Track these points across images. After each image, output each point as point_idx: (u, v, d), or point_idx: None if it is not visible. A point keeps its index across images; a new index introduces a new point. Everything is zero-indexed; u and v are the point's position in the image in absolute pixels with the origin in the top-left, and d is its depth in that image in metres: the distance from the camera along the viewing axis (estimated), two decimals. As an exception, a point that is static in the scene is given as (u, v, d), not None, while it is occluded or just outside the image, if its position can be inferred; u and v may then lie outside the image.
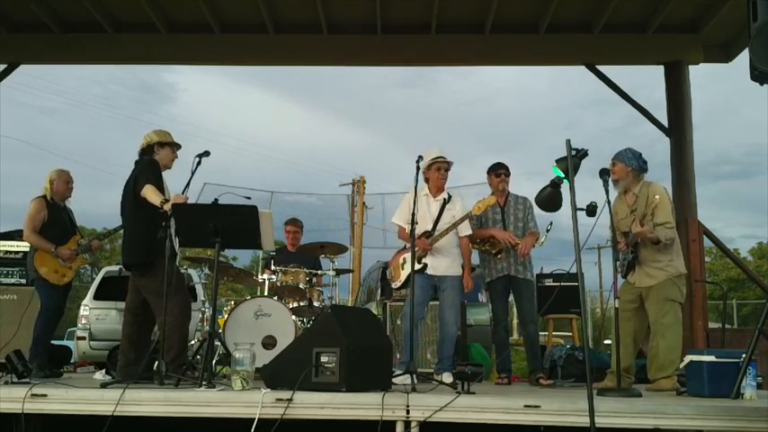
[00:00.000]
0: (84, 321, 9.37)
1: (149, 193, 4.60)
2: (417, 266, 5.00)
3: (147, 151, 4.91)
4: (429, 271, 5.16)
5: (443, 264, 5.22)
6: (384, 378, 4.06)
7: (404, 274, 5.34)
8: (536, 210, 5.40)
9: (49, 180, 5.59)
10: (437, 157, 5.28)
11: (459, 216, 5.22)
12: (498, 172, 5.63)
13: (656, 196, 4.69)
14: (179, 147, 5.03)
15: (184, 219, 4.44)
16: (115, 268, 9.90)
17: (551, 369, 5.81)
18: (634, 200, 4.86)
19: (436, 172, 5.26)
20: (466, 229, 5.30)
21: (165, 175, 4.99)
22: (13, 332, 5.86)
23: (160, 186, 4.74)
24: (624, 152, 4.86)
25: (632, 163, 4.82)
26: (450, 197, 5.31)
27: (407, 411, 3.57)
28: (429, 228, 5.22)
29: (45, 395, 3.75)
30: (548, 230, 5.40)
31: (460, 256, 5.35)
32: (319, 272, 6.36)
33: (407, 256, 5.17)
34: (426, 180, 5.33)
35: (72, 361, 8.20)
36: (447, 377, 4.90)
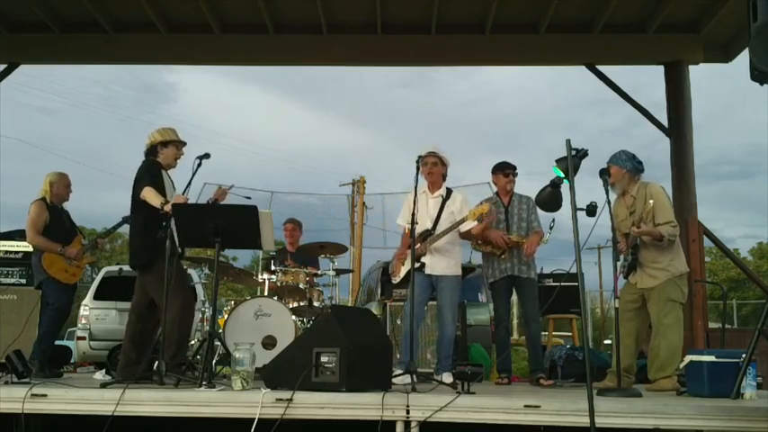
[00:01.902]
0: (84, 321, 9.37)
1: (149, 195, 4.63)
2: (416, 265, 5.00)
3: (151, 152, 4.92)
4: (427, 270, 5.17)
5: (442, 263, 5.22)
6: (384, 378, 4.05)
7: (403, 270, 5.37)
8: (538, 210, 5.42)
9: (49, 183, 5.57)
10: (426, 152, 5.28)
11: (459, 212, 5.23)
12: (506, 172, 5.63)
13: (650, 200, 4.69)
14: (183, 144, 5.01)
15: (184, 219, 4.44)
16: (115, 268, 9.89)
17: (551, 369, 5.81)
18: (632, 201, 4.85)
19: (424, 167, 5.25)
20: (467, 226, 5.28)
21: (172, 174, 5.00)
22: (13, 331, 5.88)
23: (161, 186, 4.75)
24: (618, 155, 4.86)
25: (627, 165, 4.82)
26: (449, 194, 5.32)
27: (407, 411, 3.57)
28: (429, 226, 5.23)
29: (45, 395, 3.75)
30: (551, 227, 5.40)
31: (461, 256, 5.37)
32: (319, 272, 6.37)
33: (408, 252, 5.19)
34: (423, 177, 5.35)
35: (72, 361, 8.20)
36: (447, 377, 4.90)
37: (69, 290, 5.53)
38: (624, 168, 4.82)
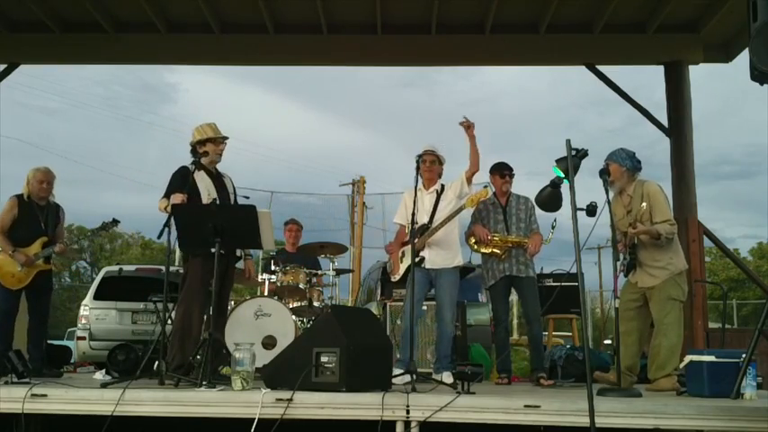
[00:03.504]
0: (84, 321, 9.35)
1: (160, 205, 4.68)
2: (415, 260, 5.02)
3: (193, 151, 4.92)
4: (427, 264, 5.18)
5: (440, 256, 5.23)
6: (384, 378, 4.06)
7: (402, 267, 5.38)
8: (537, 210, 5.41)
9: (27, 179, 5.49)
10: (424, 150, 5.32)
11: (453, 200, 5.27)
12: (503, 173, 5.62)
13: (643, 204, 4.69)
14: (224, 138, 4.95)
15: (184, 219, 4.44)
16: (115, 268, 9.90)
17: (551, 369, 5.81)
18: (629, 200, 4.85)
19: (423, 165, 5.28)
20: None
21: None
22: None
23: (193, 190, 4.73)
24: (617, 152, 4.85)
25: (626, 163, 4.82)
26: (443, 188, 5.37)
27: (407, 411, 3.57)
28: (425, 220, 5.25)
29: (45, 395, 3.76)
30: (553, 227, 5.40)
31: (459, 248, 5.38)
32: (319, 272, 6.37)
33: (407, 249, 5.21)
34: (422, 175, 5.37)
35: (72, 361, 8.20)
36: (447, 377, 4.90)
37: (14, 295, 5.38)
38: (624, 167, 4.82)
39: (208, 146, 4.88)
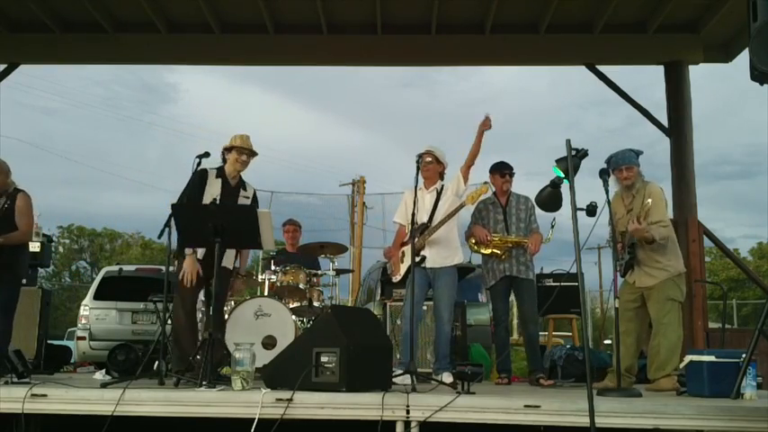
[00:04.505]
0: (84, 321, 9.36)
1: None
2: (416, 259, 5.02)
3: (222, 156, 4.96)
4: (428, 264, 5.18)
5: (440, 255, 5.23)
6: (384, 378, 4.05)
7: (403, 268, 5.37)
8: (537, 210, 5.42)
9: None
10: (424, 150, 5.32)
11: (452, 198, 5.26)
12: (503, 172, 5.62)
13: (649, 200, 4.70)
14: (245, 150, 4.95)
15: (184, 219, 4.44)
16: (115, 268, 9.91)
17: (551, 369, 5.81)
18: (631, 199, 4.86)
19: (421, 164, 5.28)
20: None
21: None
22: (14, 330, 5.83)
23: (201, 192, 4.76)
24: (630, 155, 4.87)
25: (638, 162, 4.86)
26: (443, 188, 5.36)
27: (407, 411, 3.57)
28: (425, 219, 5.25)
29: (45, 395, 3.75)
30: (552, 226, 5.40)
31: (459, 246, 5.38)
32: (319, 272, 6.37)
33: (406, 249, 5.21)
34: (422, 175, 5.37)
35: (72, 361, 8.20)
36: (447, 377, 4.90)
37: None
38: (638, 167, 4.85)
39: (232, 153, 4.92)
